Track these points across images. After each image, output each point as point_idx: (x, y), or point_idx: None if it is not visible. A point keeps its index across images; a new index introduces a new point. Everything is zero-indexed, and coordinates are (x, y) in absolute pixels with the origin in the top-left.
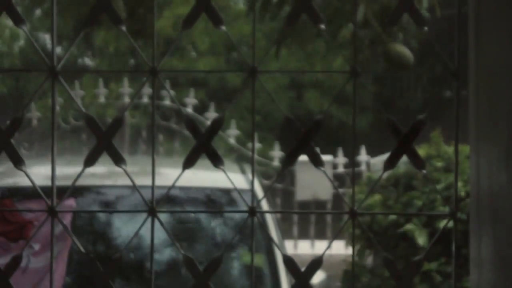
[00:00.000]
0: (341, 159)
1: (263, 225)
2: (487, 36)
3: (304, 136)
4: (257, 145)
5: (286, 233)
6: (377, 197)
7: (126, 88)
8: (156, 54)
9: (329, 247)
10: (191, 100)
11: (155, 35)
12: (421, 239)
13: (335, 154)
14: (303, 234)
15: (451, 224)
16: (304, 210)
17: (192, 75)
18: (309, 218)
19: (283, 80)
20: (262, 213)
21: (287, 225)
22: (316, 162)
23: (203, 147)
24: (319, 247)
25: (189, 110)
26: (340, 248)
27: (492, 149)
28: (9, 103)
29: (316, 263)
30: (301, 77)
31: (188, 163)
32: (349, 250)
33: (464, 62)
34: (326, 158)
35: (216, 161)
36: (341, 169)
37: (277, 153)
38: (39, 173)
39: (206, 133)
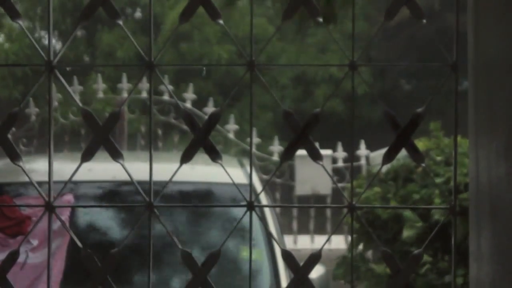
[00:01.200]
0: (341, 154)
1: (262, 220)
2: (486, 29)
3: (302, 130)
4: (257, 139)
5: (285, 228)
6: (376, 190)
7: (125, 84)
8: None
9: (327, 241)
10: (190, 95)
11: (151, 29)
12: (407, 233)
13: (334, 149)
14: (303, 229)
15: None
16: (303, 204)
17: None
18: (308, 213)
19: (293, 73)
20: (261, 207)
21: (287, 220)
22: (315, 156)
23: (201, 142)
24: (319, 241)
25: (188, 105)
26: (340, 243)
27: (491, 142)
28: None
29: (315, 257)
30: (312, 72)
31: (186, 158)
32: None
33: (463, 55)
34: (325, 152)
35: (214, 156)
36: (340, 164)
37: (276, 148)
38: (39, 168)
39: (204, 128)
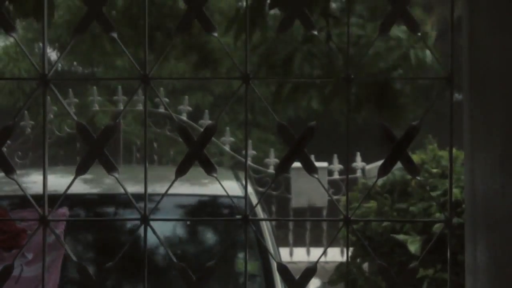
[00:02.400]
0: (336, 166)
1: (257, 233)
2: (481, 42)
3: (297, 143)
4: (252, 152)
5: (281, 241)
6: (372, 204)
7: (120, 96)
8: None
9: (323, 254)
10: (185, 108)
11: (146, 42)
12: (413, 247)
13: (330, 161)
14: (299, 241)
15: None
16: (300, 217)
17: None
18: (304, 225)
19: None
20: (256, 220)
21: (283, 232)
22: (310, 169)
23: (196, 155)
24: (315, 254)
25: (184, 117)
26: (335, 255)
27: (487, 154)
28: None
29: (311, 270)
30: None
31: (181, 171)
32: (345, 258)
33: (458, 68)
34: (321, 164)
35: (209, 169)
36: (336, 176)
37: (272, 160)
38: (36, 181)
39: (199, 141)
